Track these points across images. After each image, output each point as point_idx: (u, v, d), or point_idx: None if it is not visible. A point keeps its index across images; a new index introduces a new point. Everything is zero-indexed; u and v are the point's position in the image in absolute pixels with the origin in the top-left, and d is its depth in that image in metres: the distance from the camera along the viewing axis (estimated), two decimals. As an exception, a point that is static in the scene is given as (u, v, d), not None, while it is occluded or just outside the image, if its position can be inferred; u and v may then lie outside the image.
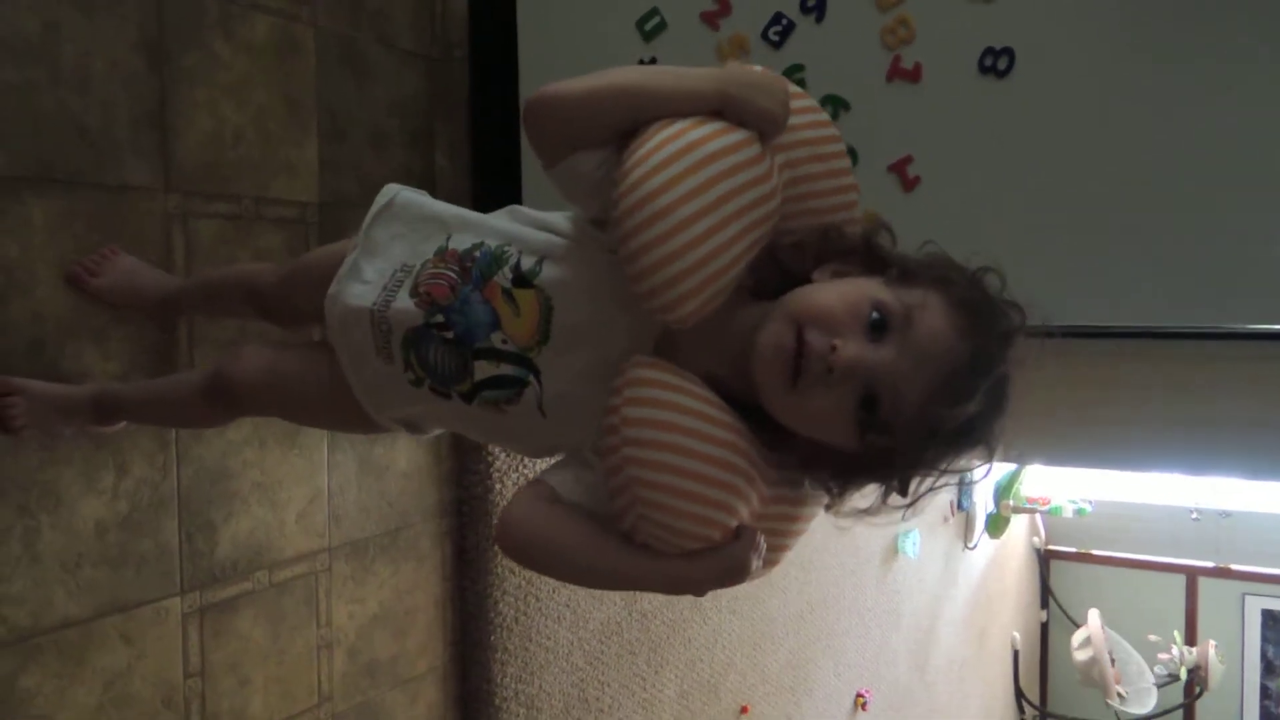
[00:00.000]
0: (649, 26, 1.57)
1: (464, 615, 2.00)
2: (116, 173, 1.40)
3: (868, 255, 0.88)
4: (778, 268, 0.89)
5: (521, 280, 0.95)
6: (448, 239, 1.02)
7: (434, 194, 1.86)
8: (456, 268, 0.98)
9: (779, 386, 0.82)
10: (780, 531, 0.92)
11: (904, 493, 0.86)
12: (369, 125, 1.77)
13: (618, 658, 2.32)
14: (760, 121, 0.86)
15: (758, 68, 0.91)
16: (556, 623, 2.12)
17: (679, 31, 1.55)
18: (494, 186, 1.81)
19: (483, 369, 0.96)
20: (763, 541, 0.87)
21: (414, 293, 1.00)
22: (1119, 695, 5.16)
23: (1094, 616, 5.32)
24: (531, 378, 0.94)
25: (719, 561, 0.85)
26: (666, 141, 0.82)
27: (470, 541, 1.98)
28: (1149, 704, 5.21)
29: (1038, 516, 5.65)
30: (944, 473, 0.84)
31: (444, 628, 1.98)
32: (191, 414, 1.33)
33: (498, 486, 1.95)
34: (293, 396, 1.19)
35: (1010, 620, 5.50)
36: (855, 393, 0.80)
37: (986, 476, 0.88)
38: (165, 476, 1.47)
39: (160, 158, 1.45)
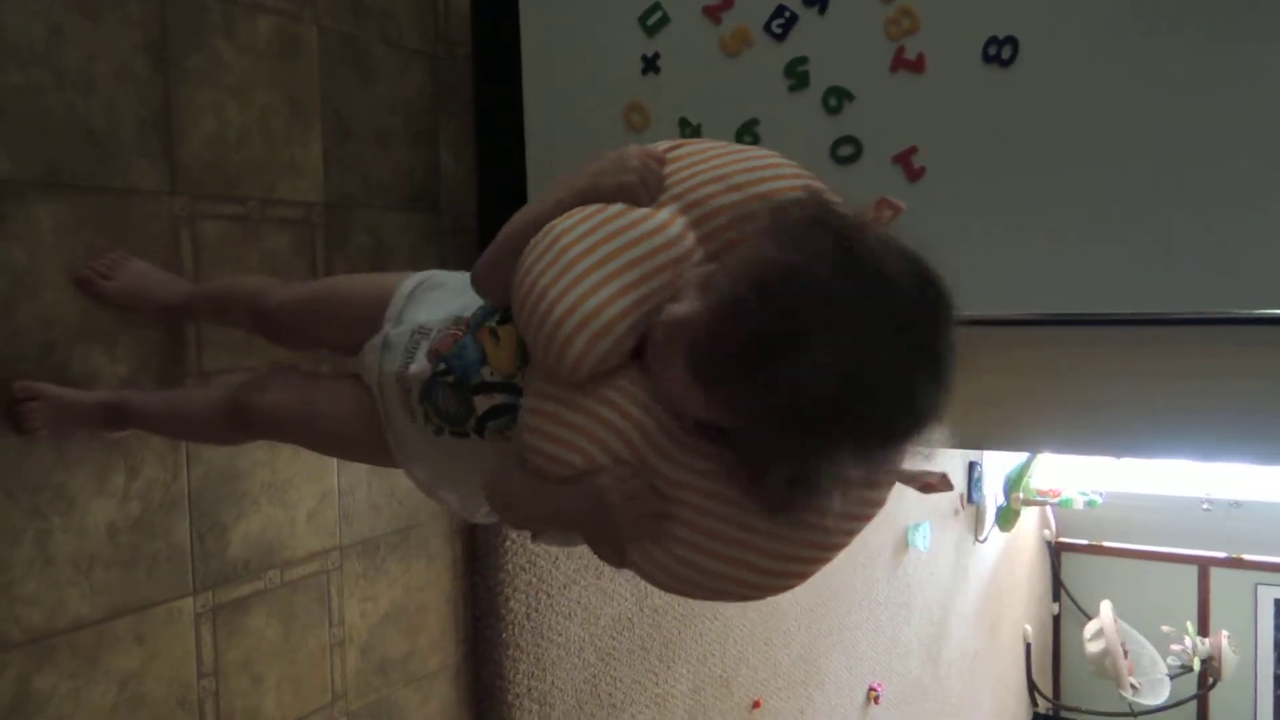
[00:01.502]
0: (651, 21, 1.57)
1: (475, 612, 2.00)
2: (123, 175, 1.40)
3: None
4: None
5: (506, 319, 1.01)
6: (463, 311, 1.08)
7: (440, 190, 1.87)
8: (463, 326, 1.06)
9: (653, 371, 0.87)
10: (712, 532, 0.88)
11: (799, 489, 0.80)
12: (373, 124, 1.77)
13: (629, 654, 2.32)
14: (618, 195, 0.92)
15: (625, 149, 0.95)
16: (568, 619, 2.12)
17: (681, 25, 1.55)
18: (498, 183, 1.82)
19: (481, 403, 1.02)
20: (636, 487, 0.87)
21: (429, 353, 1.07)
22: (1132, 686, 5.15)
23: (1106, 608, 5.31)
24: (521, 401, 0.97)
25: (580, 493, 0.89)
26: (531, 247, 0.91)
27: (481, 539, 1.98)
28: (1162, 695, 5.19)
29: (1048, 509, 5.63)
30: (811, 459, 0.78)
31: (456, 625, 1.98)
32: (208, 433, 1.37)
33: (507, 484, 1.95)
34: (319, 432, 1.24)
35: (1022, 613, 5.49)
36: (683, 353, 0.80)
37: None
38: (176, 477, 1.47)
39: (166, 160, 1.45)
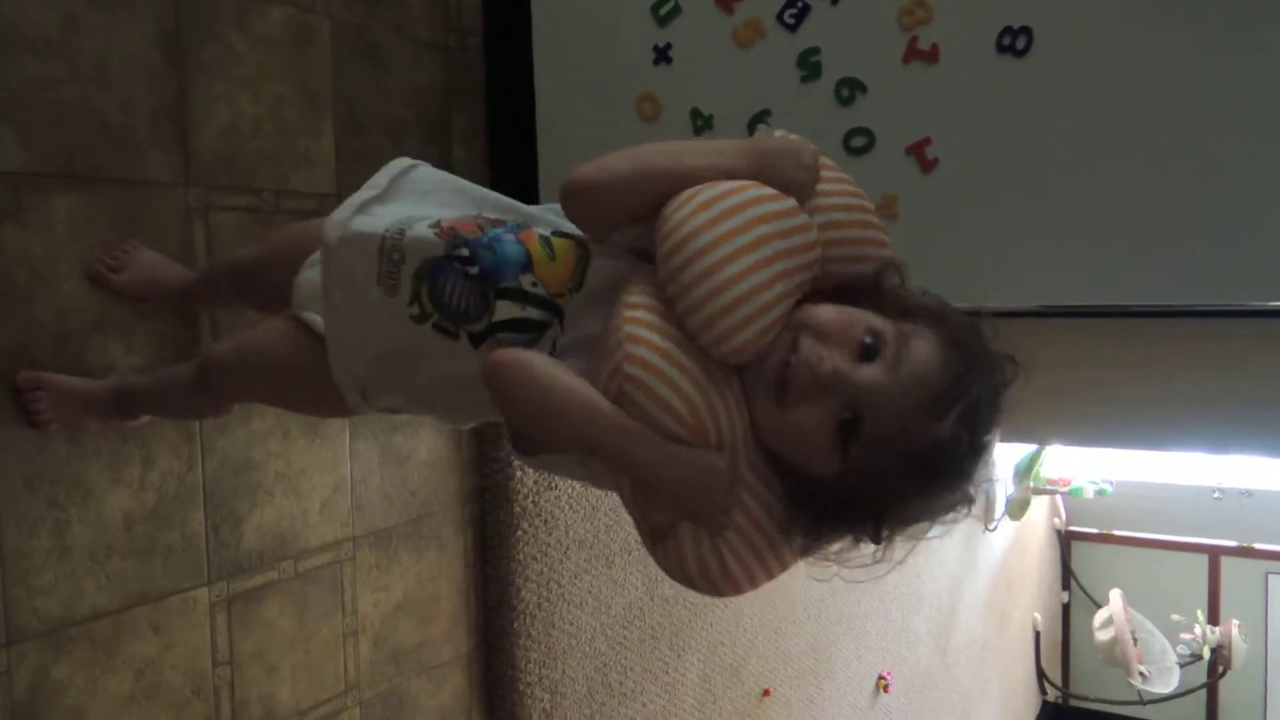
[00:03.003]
0: (663, 11, 1.56)
1: (487, 602, 2.01)
2: (137, 167, 1.40)
3: (874, 292, 0.90)
4: None
5: (560, 232, 0.95)
6: (479, 213, 1.01)
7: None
8: (484, 222, 0.97)
9: (765, 396, 0.84)
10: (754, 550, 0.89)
11: (876, 539, 0.86)
12: (386, 116, 1.77)
13: (640, 643, 2.33)
14: (788, 188, 0.87)
15: (791, 136, 0.93)
16: (579, 609, 2.13)
17: (693, 16, 1.55)
18: (511, 175, 1.82)
19: (505, 309, 0.92)
20: (740, 493, 0.85)
21: (433, 226, 0.96)
22: (1140, 674, 5.16)
23: (1116, 596, 5.32)
24: (556, 322, 0.92)
25: (692, 458, 0.82)
26: (702, 191, 0.85)
27: (492, 529, 1.99)
28: (1171, 683, 5.20)
29: (1058, 498, 5.62)
30: (918, 515, 0.86)
31: (468, 615, 1.99)
32: (187, 404, 1.34)
33: (518, 474, 1.96)
34: (265, 371, 1.15)
35: (1031, 602, 5.49)
36: (837, 411, 0.81)
37: (944, 534, 0.90)
38: (190, 468, 1.48)
39: (180, 151, 1.46)
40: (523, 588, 1.99)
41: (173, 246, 1.44)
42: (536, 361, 0.87)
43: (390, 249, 0.96)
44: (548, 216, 1.00)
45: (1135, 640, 5.26)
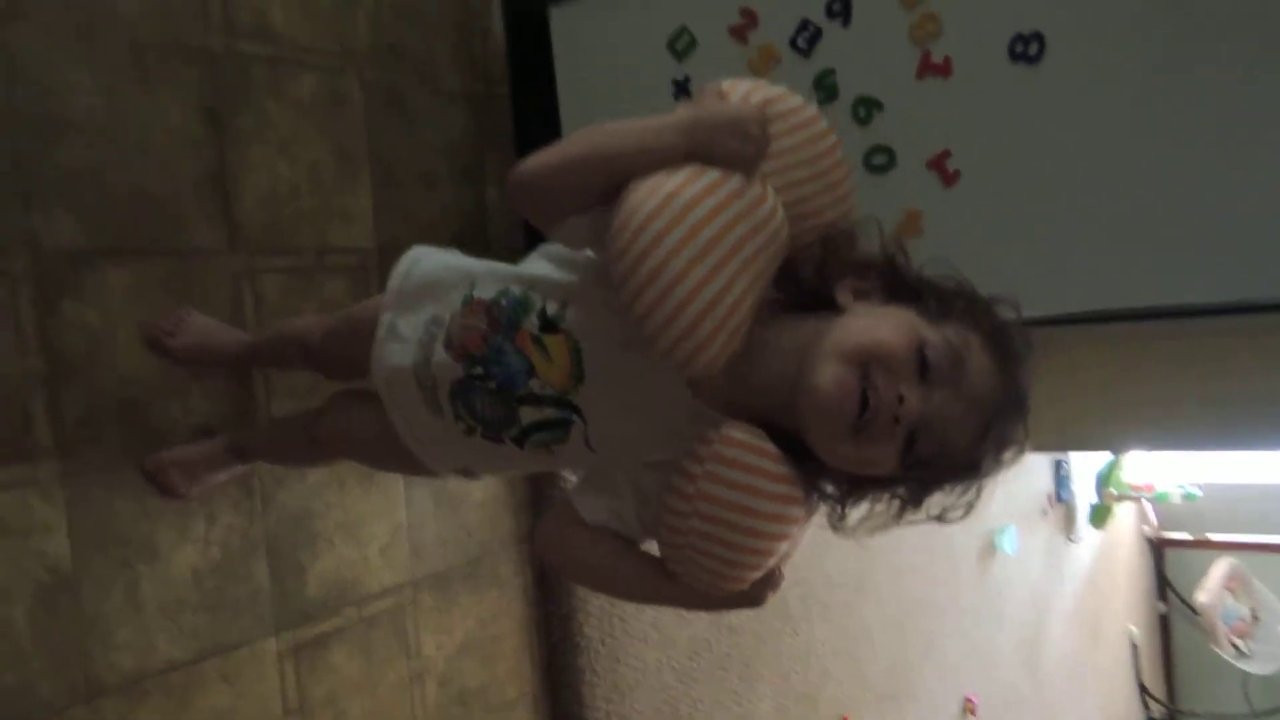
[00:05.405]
0: (680, 45, 1.59)
1: (550, 640, 2.03)
2: (185, 237, 1.47)
3: (891, 278, 0.89)
4: (796, 282, 0.90)
5: (549, 325, 0.97)
6: (472, 288, 1.04)
7: (487, 227, 1.92)
8: (485, 318, 1.00)
9: (839, 434, 0.83)
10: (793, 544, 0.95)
11: (917, 505, 0.90)
12: (419, 167, 1.83)
13: (709, 674, 2.32)
14: (731, 163, 0.84)
15: (739, 88, 0.90)
16: (643, 643, 2.13)
17: (709, 48, 1.57)
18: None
19: (528, 414, 0.99)
20: (782, 574, 0.94)
21: (448, 345, 1.03)
22: (1234, 648, 4.96)
23: (1221, 565, 5.12)
24: (575, 417, 0.97)
25: (740, 598, 0.93)
26: (643, 202, 0.82)
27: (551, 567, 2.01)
28: (1269, 668, 4.99)
29: (1146, 504, 5.44)
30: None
31: (531, 653, 2.01)
32: (302, 458, 1.50)
33: (574, 510, 1.97)
34: (370, 457, 1.34)
35: (1125, 613, 5.30)
36: (905, 437, 0.82)
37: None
38: (253, 522, 1.54)
39: (224, 219, 1.52)
40: (585, 624, 2.01)
41: (223, 311, 1.51)
42: (562, 547, 1.00)
43: (423, 378, 1.06)
44: (535, 270, 1.03)
45: (1256, 616, 5.07)
